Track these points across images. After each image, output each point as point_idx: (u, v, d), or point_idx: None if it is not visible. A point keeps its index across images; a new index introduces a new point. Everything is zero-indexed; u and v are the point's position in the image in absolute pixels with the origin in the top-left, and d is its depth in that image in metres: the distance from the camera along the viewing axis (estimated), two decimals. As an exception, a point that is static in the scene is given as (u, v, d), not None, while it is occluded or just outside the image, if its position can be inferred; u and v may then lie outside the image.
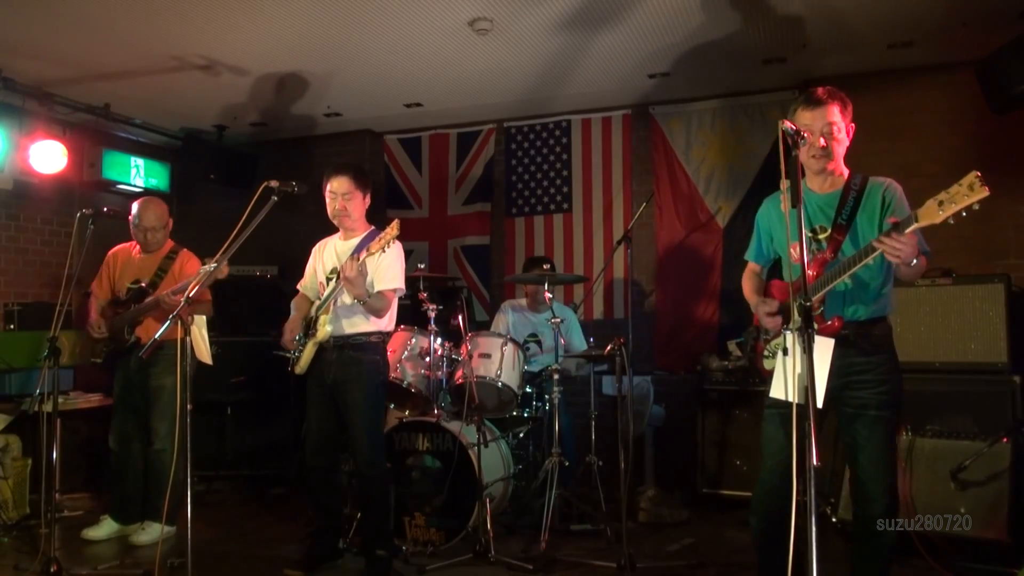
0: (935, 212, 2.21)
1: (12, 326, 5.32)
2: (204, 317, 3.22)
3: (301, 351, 3.68)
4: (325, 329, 3.59)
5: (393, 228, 3.37)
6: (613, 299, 5.96)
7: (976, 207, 2.15)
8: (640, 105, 5.92)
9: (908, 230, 2.28)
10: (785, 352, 2.37)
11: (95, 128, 5.93)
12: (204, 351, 3.16)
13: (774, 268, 3.00)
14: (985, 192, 2.12)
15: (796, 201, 2.23)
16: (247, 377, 5.61)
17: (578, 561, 3.87)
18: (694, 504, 4.78)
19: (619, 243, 4.49)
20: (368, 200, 3.81)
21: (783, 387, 2.45)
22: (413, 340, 4.32)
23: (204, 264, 3.49)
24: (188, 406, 3.12)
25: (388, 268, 3.64)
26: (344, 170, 3.73)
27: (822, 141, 2.58)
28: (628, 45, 4.76)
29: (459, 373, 4.30)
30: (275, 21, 4.34)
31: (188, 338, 3.14)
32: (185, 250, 4.43)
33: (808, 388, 2.05)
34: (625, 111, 5.99)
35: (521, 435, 4.69)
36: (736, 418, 4.85)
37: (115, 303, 4.35)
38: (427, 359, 4.28)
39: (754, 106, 5.62)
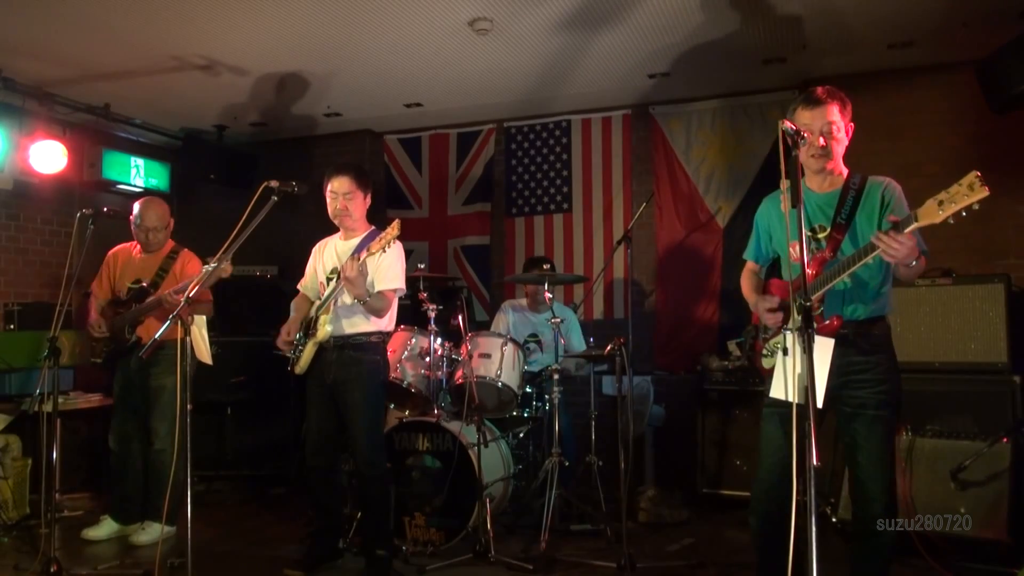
0: (935, 212, 2.21)
1: (12, 326, 5.32)
2: (204, 317, 3.22)
3: (301, 351, 3.68)
4: (325, 329, 3.59)
5: (394, 228, 3.37)
6: (613, 299, 5.96)
7: (976, 207, 2.14)
8: (640, 105, 5.92)
9: (907, 230, 2.28)
10: (785, 352, 2.37)
11: (95, 128, 5.93)
12: (204, 351, 3.16)
13: (773, 267, 3.00)
14: (985, 192, 2.12)
15: (796, 201, 2.23)
16: (247, 377, 5.61)
17: (578, 561, 3.87)
18: (694, 504, 4.78)
19: (619, 243, 4.49)
20: (369, 200, 3.81)
21: (783, 387, 2.45)
22: (413, 340, 4.32)
23: (206, 264, 3.48)
24: (188, 406, 3.12)
25: (388, 268, 3.64)
26: (345, 170, 3.73)
27: (821, 140, 2.59)
28: (628, 45, 4.76)
29: (459, 373, 4.30)
30: (275, 21, 4.34)
31: (188, 338, 3.14)
32: (186, 250, 4.43)
33: (808, 388, 2.05)
34: (625, 111, 5.99)
35: (521, 435, 4.69)
36: (736, 418, 4.85)
37: (115, 303, 4.35)
38: (427, 359, 4.28)
39: (754, 106, 5.62)
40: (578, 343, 5.03)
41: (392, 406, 4.51)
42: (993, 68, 4.32)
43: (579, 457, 4.54)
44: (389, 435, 4.12)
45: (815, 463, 1.99)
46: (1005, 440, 3.68)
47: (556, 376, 4.30)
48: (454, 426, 4.14)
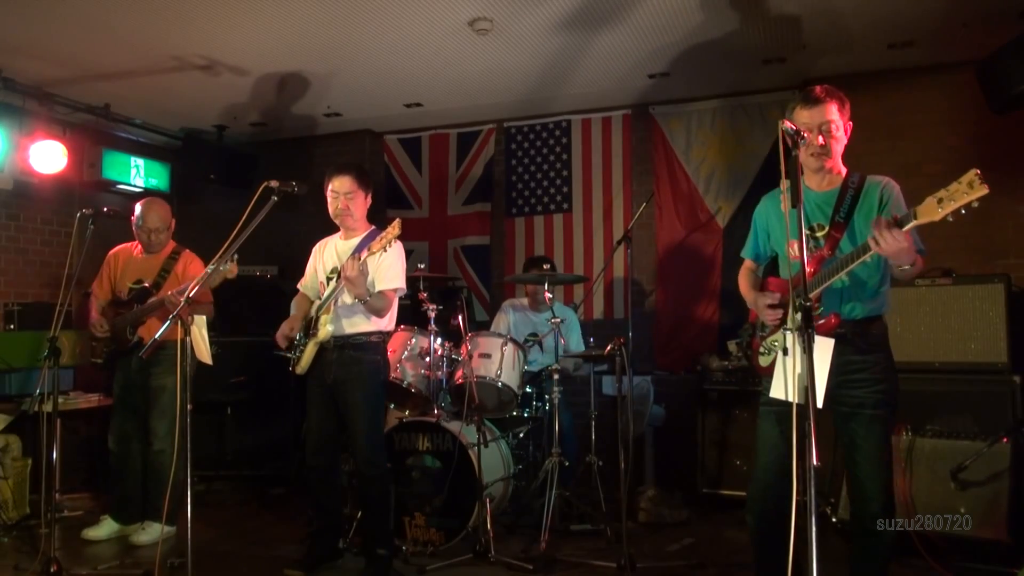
0: (934, 210, 2.20)
1: (12, 326, 5.32)
2: (204, 317, 3.22)
3: (302, 351, 3.68)
4: (326, 329, 3.60)
5: (394, 228, 3.38)
6: (613, 299, 5.96)
7: (975, 205, 2.14)
8: (640, 105, 5.92)
9: (907, 227, 2.27)
10: (785, 352, 2.37)
11: (95, 128, 5.94)
12: (204, 351, 3.16)
13: (770, 266, 3.00)
14: (985, 190, 2.11)
15: (796, 201, 2.23)
16: (247, 377, 5.61)
17: (578, 561, 3.87)
18: (694, 504, 4.78)
19: (619, 243, 4.49)
20: (370, 200, 3.81)
21: (783, 387, 2.45)
22: (413, 340, 4.32)
23: (212, 267, 3.46)
24: (188, 406, 3.12)
25: (389, 268, 3.64)
26: (346, 169, 3.73)
27: (820, 139, 2.59)
28: (628, 45, 4.76)
29: (459, 373, 4.30)
30: (275, 21, 4.34)
31: (188, 338, 3.14)
32: (187, 251, 4.43)
33: (808, 388, 2.05)
34: (625, 111, 5.99)
35: (521, 435, 4.69)
36: (736, 418, 4.85)
37: (116, 303, 4.35)
38: (427, 359, 4.28)
39: (754, 106, 5.62)
40: (576, 343, 5.03)
41: (392, 406, 4.51)
42: (993, 68, 4.31)
43: (579, 457, 4.54)
44: (389, 435, 4.12)
45: (815, 463, 1.99)
46: (1005, 440, 3.67)
47: (556, 376, 4.30)
48: (454, 426, 4.14)
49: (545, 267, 4.86)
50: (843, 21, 4.41)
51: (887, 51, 4.82)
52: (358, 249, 3.61)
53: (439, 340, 4.33)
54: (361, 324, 3.65)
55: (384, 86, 5.53)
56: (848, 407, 2.61)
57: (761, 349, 2.81)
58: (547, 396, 4.47)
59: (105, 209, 4.23)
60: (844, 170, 2.71)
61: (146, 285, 4.29)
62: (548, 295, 4.40)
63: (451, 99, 5.85)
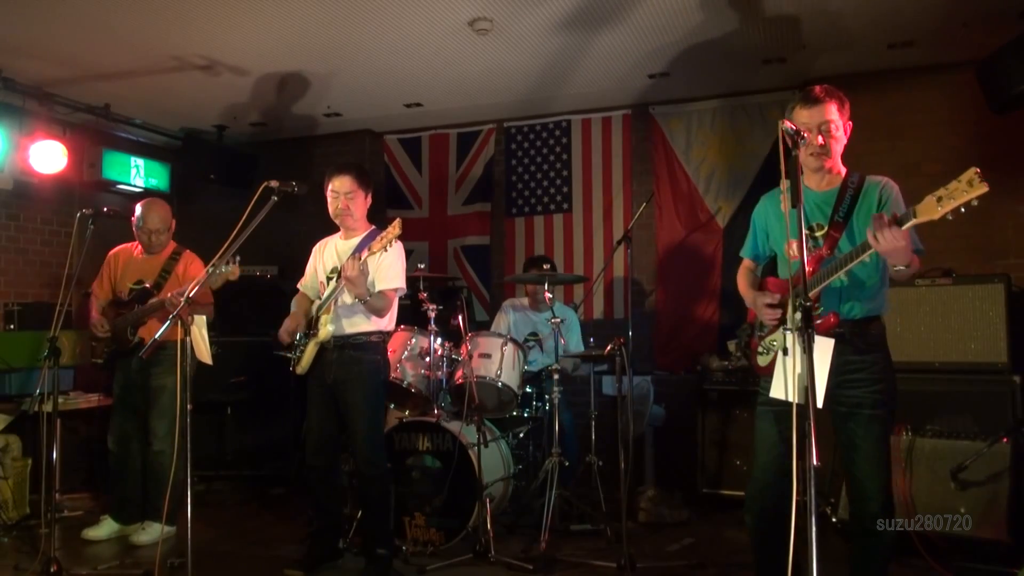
0: (934, 208, 2.20)
1: (12, 326, 5.32)
2: (204, 317, 3.22)
3: (302, 351, 3.68)
4: (326, 329, 3.60)
5: (395, 227, 3.38)
6: (613, 299, 5.96)
7: (975, 203, 2.14)
8: (640, 105, 5.92)
9: (906, 226, 2.27)
10: (785, 352, 2.37)
11: (95, 128, 5.93)
12: (204, 351, 3.16)
13: (769, 266, 3.00)
14: (984, 188, 2.11)
15: (796, 201, 2.23)
16: (247, 377, 5.61)
17: (578, 561, 3.87)
18: (694, 504, 4.78)
19: (619, 243, 4.49)
20: (370, 200, 3.81)
21: (783, 387, 2.45)
22: (413, 340, 4.32)
23: (212, 268, 3.45)
24: (188, 406, 3.12)
25: (389, 267, 3.64)
26: (347, 169, 3.73)
27: (820, 139, 2.59)
28: (628, 45, 4.76)
29: (459, 373, 4.30)
30: (275, 21, 4.34)
31: (188, 338, 3.14)
32: (188, 251, 4.43)
33: (808, 388, 2.05)
34: (625, 111, 5.99)
35: (521, 435, 4.69)
36: (736, 418, 4.85)
37: (117, 303, 4.35)
38: (427, 359, 4.28)
39: (754, 106, 5.62)
40: (576, 344, 5.03)
41: (392, 406, 4.51)
42: (993, 68, 4.31)
43: (579, 457, 4.54)
44: (389, 435, 4.12)
45: (815, 463, 1.99)
46: (1005, 440, 3.67)
47: (556, 376, 4.30)
48: (454, 426, 4.14)
49: (545, 267, 4.86)
50: (843, 21, 4.41)
51: (887, 51, 4.82)
52: (358, 249, 3.61)
53: (439, 340, 4.33)
54: (361, 324, 3.65)
55: (384, 86, 5.53)
56: (846, 407, 2.61)
57: (759, 349, 2.81)
58: (547, 396, 4.47)
59: (105, 209, 4.23)
60: (844, 170, 2.71)
61: (147, 286, 4.29)
62: (548, 295, 4.40)
63: (451, 99, 5.85)
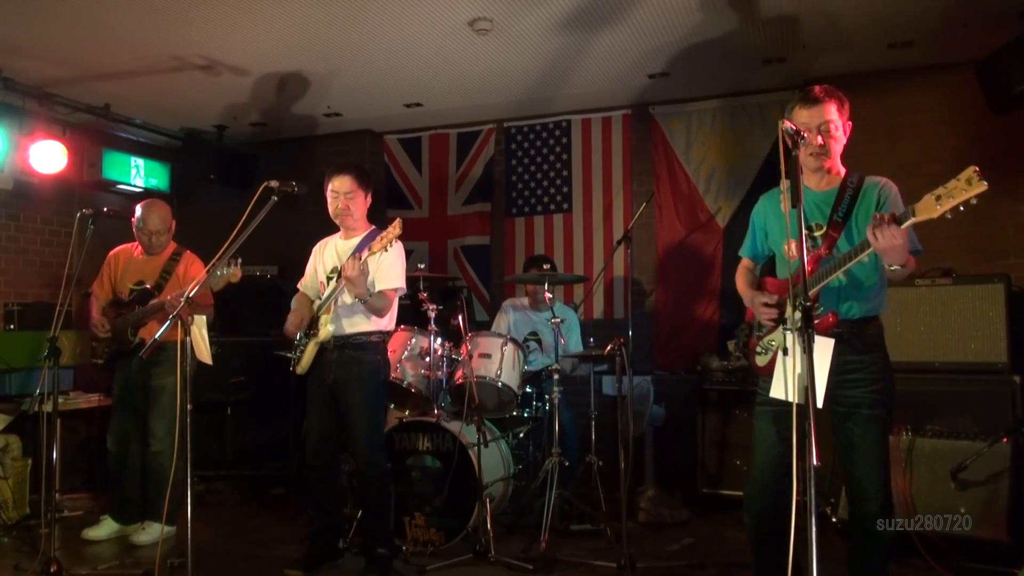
0: (932, 207, 2.20)
1: (12, 326, 5.32)
2: (204, 317, 3.22)
3: (302, 351, 3.68)
4: (326, 329, 3.60)
5: (395, 227, 3.38)
6: (613, 299, 5.96)
7: (974, 202, 2.14)
8: (640, 105, 5.92)
9: (905, 224, 2.28)
10: (785, 352, 2.37)
11: (95, 128, 5.93)
12: (204, 351, 3.16)
13: (768, 266, 3.01)
14: (983, 187, 2.11)
15: (796, 201, 2.23)
16: (247, 377, 5.61)
17: (578, 561, 3.87)
18: (694, 504, 4.78)
19: (619, 243, 4.49)
20: (370, 200, 3.81)
21: (783, 387, 2.45)
22: (413, 340, 4.32)
23: (212, 269, 3.44)
24: (188, 406, 3.12)
25: (389, 267, 3.64)
26: (347, 169, 3.73)
27: (819, 139, 2.59)
28: (628, 45, 4.76)
29: (459, 373, 4.30)
30: (275, 21, 4.34)
31: (188, 338, 3.14)
32: (188, 252, 4.43)
33: (808, 388, 2.05)
34: (625, 111, 5.99)
35: (521, 435, 4.69)
36: (736, 418, 4.85)
37: (117, 304, 4.35)
38: (427, 359, 4.28)
39: (754, 106, 5.62)
40: (575, 344, 5.03)
41: (392, 406, 4.51)
42: (993, 68, 4.31)
43: (579, 457, 4.54)
44: (389, 435, 4.12)
45: (815, 463, 1.99)
46: (1005, 440, 3.67)
47: (556, 376, 4.30)
48: (454, 426, 4.14)
49: (545, 267, 4.86)
50: (843, 21, 4.41)
51: (887, 51, 4.82)
52: (358, 249, 3.61)
53: (439, 340, 4.33)
54: (361, 324, 3.65)
55: (384, 86, 5.53)
56: (845, 407, 2.61)
57: (758, 349, 2.81)
58: (547, 396, 4.47)
59: (105, 209, 4.23)
60: (843, 170, 2.72)
61: (147, 287, 4.29)
62: (548, 295, 4.40)
63: (451, 99, 5.85)
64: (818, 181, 2.71)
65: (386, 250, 3.45)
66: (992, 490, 3.65)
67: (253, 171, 6.30)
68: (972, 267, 4.55)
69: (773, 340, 2.72)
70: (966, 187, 2.13)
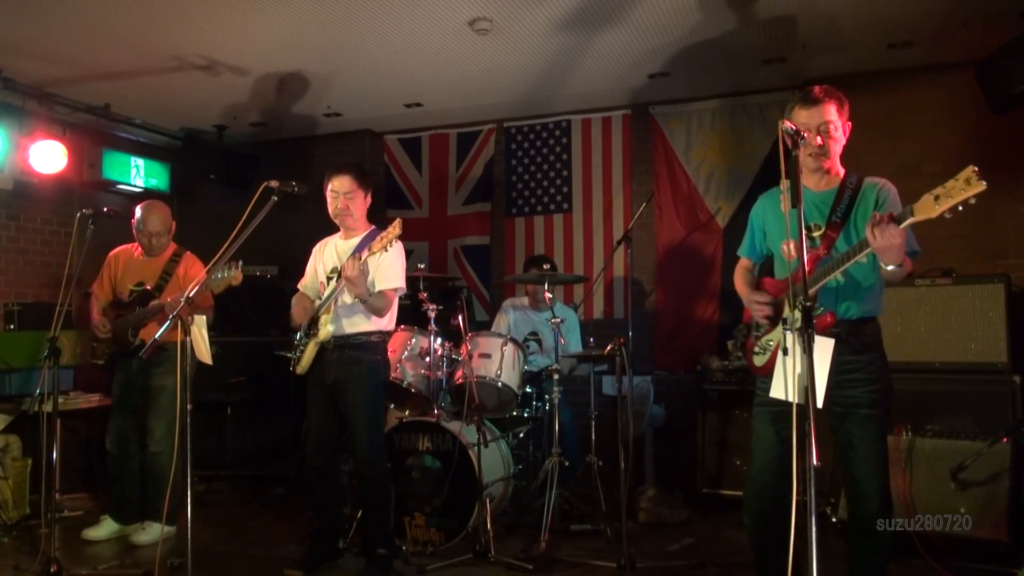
0: (931, 206, 2.21)
1: (12, 326, 5.32)
2: (204, 317, 3.22)
3: (302, 351, 3.68)
4: (326, 329, 3.60)
5: (395, 227, 3.38)
6: (613, 299, 5.96)
7: (973, 202, 2.14)
8: (640, 105, 5.92)
9: (904, 224, 2.28)
10: (785, 352, 2.37)
11: (95, 128, 5.93)
12: (204, 351, 3.16)
13: (766, 266, 3.01)
14: (982, 186, 2.11)
15: (796, 201, 2.23)
16: (247, 377, 5.61)
17: (578, 561, 3.87)
18: (694, 504, 4.78)
19: (619, 243, 4.49)
20: (369, 199, 3.81)
21: (783, 387, 2.45)
22: (413, 340, 4.32)
23: (212, 271, 3.44)
24: (188, 406, 3.12)
25: (389, 267, 3.64)
26: (346, 169, 3.73)
27: (819, 139, 2.59)
28: (628, 45, 4.76)
29: (459, 373, 4.30)
30: (275, 21, 4.34)
31: (188, 338, 3.14)
32: (188, 253, 4.43)
33: (808, 388, 2.05)
34: (625, 111, 5.99)
35: (521, 435, 4.69)
36: (736, 418, 4.85)
37: (117, 305, 4.35)
38: (427, 359, 4.28)
39: (754, 106, 5.62)
40: (575, 345, 5.03)
41: (392, 406, 4.51)
42: (993, 68, 4.31)
43: (579, 457, 4.54)
44: (389, 435, 4.12)
45: (815, 463, 1.99)
46: (1005, 440, 3.67)
47: (556, 376, 4.30)
48: (454, 426, 4.14)
49: (545, 267, 4.86)
50: (843, 21, 4.41)
51: (887, 51, 4.82)
52: (358, 249, 3.61)
53: (439, 340, 4.33)
54: (361, 324, 3.65)
55: (384, 86, 5.53)
56: (843, 407, 2.61)
57: (756, 349, 2.81)
58: (547, 396, 4.47)
59: (105, 209, 4.23)
60: (842, 171, 2.72)
61: (147, 288, 4.29)
62: (548, 295, 4.40)
63: (451, 99, 5.85)
64: (817, 181, 2.71)
65: (386, 250, 3.46)
66: (992, 490, 3.65)
67: (253, 171, 6.30)
68: (972, 267, 4.55)
69: (771, 340, 2.72)
70: (965, 187, 2.14)
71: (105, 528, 4.34)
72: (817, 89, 2.65)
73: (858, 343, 2.61)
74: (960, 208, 2.16)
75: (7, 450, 4.54)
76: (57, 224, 6.04)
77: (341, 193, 3.69)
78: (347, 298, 3.61)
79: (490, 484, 4.09)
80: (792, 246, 2.61)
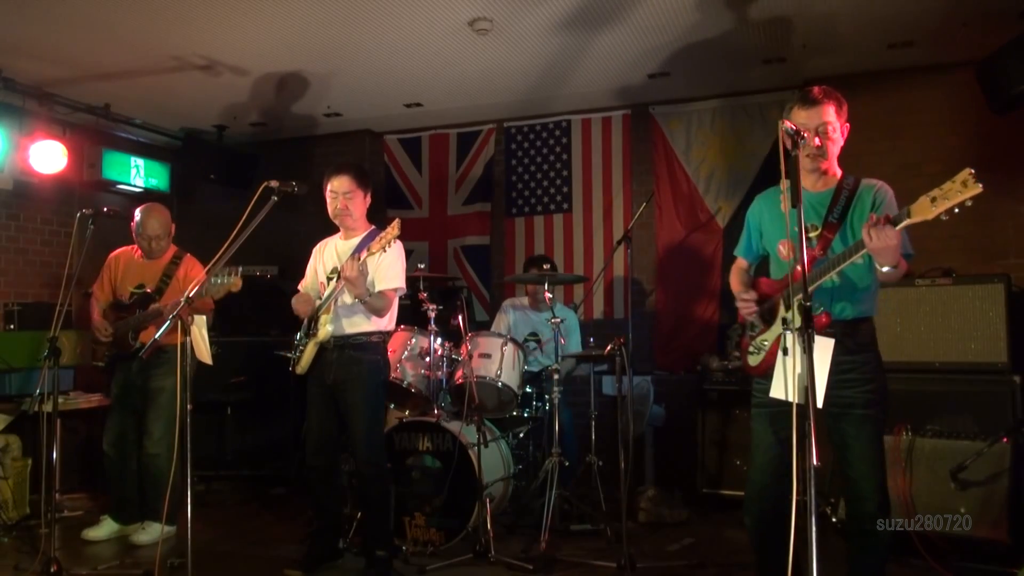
0: (928, 208, 2.22)
1: (12, 326, 5.32)
2: (204, 317, 3.22)
3: (302, 351, 3.68)
4: (326, 329, 3.60)
5: (394, 228, 3.38)
6: (613, 299, 5.96)
7: (969, 203, 2.15)
8: (640, 105, 5.92)
9: (900, 225, 2.29)
10: (785, 352, 2.37)
11: (95, 128, 5.93)
12: (204, 351, 3.16)
13: (761, 266, 3.01)
14: (978, 189, 2.12)
15: (796, 201, 2.23)
16: (247, 377, 5.61)
17: (578, 561, 3.87)
18: (694, 504, 4.78)
19: (619, 243, 4.49)
20: (369, 199, 3.81)
21: (783, 387, 2.45)
22: (413, 340, 4.32)
23: (215, 279, 3.43)
24: (188, 406, 3.12)
25: (389, 267, 3.64)
26: (345, 169, 3.73)
27: (817, 140, 2.59)
28: (628, 45, 4.76)
29: (459, 373, 4.30)
30: (275, 21, 4.34)
31: (188, 339, 3.14)
32: (188, 255, 4.43)
33: (808, 388, 2.05)
34: (625, 111, 5.99)
35: (521, 435, 4.69)
36: (736, 418, 4.85)
37: (117, 307, 4.34)
38: (427, 359, 4.28)
39: (754, 106, 5.62)
40: (575, 347, 5.03)
41: (392, 406, 4.51)
42: (993, 68, 4.31)
43: (579, 457, 4.54)
44: (389, 435, 4.12)
45: (815, 463, 1.99)
46: (1005, 440, 3.67)
47: (556, 376, 4.30)
48: (454, 426, 4.14)
49: (545, 267, 4.86)
50: (843, 21, 4.41)
51: (887, 51, 4.82)
52: (358, 249, 3.61)
53: (439, 340, 4.33)
54: (361, 324, 3.65)
55: (384, 86, 5.53)
56: (838, 407, 2.60)
57: (750, 348, 2.80)
58: (547, 396, 4.47)
59: (105, 209, 4.22)
60: (839, 172, 2.72)
61: (148, 291, 4.28)
62: (548, 295, 4.40)
63: (451, 99, 5.85)
64: (814, 182, 2.71)
65: (385, 250, 3.45)
66: (992, 490, 3.65)
67: (253, 171, 6.30)
68: (972, 267, 4.55)
69: (766, 340, 2.72)
70: (961, 189, 2.14)
71: (105, 528, 4.34)
72: (816, 90, 2.65)
73: (853, 343, 2.61)
74: (956, 210, 2.17)
75: (7, 450, 4.54)
76: (57, 224, 6.04)
77: (340, 193, 3.69)
78: (347, 298, 3.61)
79: (490, 484, 4.09)
80: (788, 246, 2.62)
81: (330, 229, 3.89)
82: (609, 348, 4.05)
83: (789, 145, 2.28)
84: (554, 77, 5.35)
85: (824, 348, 2.34)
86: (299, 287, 3.96)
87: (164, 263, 4.37)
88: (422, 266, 4.59)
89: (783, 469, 2.51)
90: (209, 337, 3.19)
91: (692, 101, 5.78)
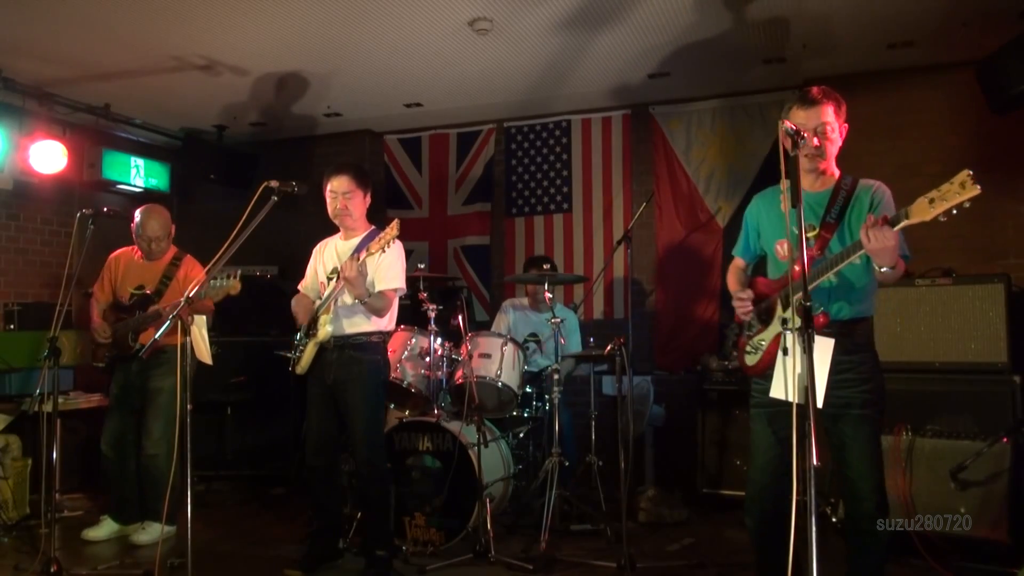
0: (926, 209, 2.22)
1: (12, 326, 5.32)
2: (204, 317, 3.22)
3: (302, 351, 3.69)
4: (326, 329, 3.60)
5: (393, 228, 3.38)
6: (613, 299, 5.96)
7: (967, 205, 2.15)
8: (640, 105, 5.92)
9: (898, 226, 2.29)
10: (785, 352, 2.37)
11: (95, 128, 5.94)
12: (204, 351, 3.16)
13: (759, 266, 3.01)
14: (976, 190, 2.12)
15: (796, 201, 2.23)
16: (247, 377, 5.61)
17: (578, 561, 3.87)
18: (694, 504, 4.78)
19: (619, 243, 4.49)
20: (369, 199, 3.81)
21: (783, 387, 2.45)
22: (413, 340, 4.32)
23: (214, 281, 3.43)
24: (188, 406, 3.12)
25: (388, 268, 3.64)
26: (345, 169, 3.73)
27: (815, 140, 2.59)
28: (628, 45, 4.76)
29: (459, 373, 4.30)
30: (275, 21, 4.34)
31: (188, 339, 3.14)
32: (188, 256, 4.43)
33: (808, 388, 2.05)
34: (625, 111, 5.99)
35: (521, 435, 4.69)
36: (736, 418, 4.85)
37: (117, 308, 4.34)
38: (427, 359, 4.28)
39: (754, 106, 5.62)
40: (574, 345, 5.03)
41: (392, 406, 4.51)
42: (993, 68, 4.31)
43: (579, 457, 4.54)
44: (389, 435, 4.12)
45: (815, 463, 1.99)
46: (1005, 440, 3.67)
47: (556, 376, 4.30)
48: (454, 426, 4.14)
49: (545, 267, 4.86)
50: (843, 21, 4.41)
51: (887, 51, 4.82)
52: (358, 249, 3.61)
53: (439, 340, 4.33)
54: (361, 324, 3.65)
55: (384, 86, 5.53)
56: (835, 407, 2.60)
57: (747, 348, 2.81)
58: (547, 396, 4.47)
59: (105, 209, 4.23)
60: (837, 172, 2.73)
61: (148, 292, 4.28)
62: (548, 295, 4.40)
63: (451, 99, 5.85)
64: (812, 182, 2.71)
65: (384, 251, 3.45)
66: (992, 490, 3.65)
67: (253, 171, 6.30)
68: (972, 267, 4.54)
69: (763, 340, 2.72)
70: (959, 191, 2.15)
71: (105, 528, 4.34)
72: (815, 90, 2.65)
73: (850, 343, 2.61)
74: (955, 211, 2.17)
75: (7, 450, 4.54)
76: (57, 224, 6.04)
77: (340, 193, 3.69)
78: (347, 298, 3.61)
79: (490, 484, 4.09)
80: (785, 246, 2.62)
81: (330, 229, 3.89)
82: (609, 348, 4.05)
83: (789, 145, 2.29)
84: (554, 77, 5.35)
85: (824, 348, 2.34)
86: (299, 287, 3.96)
87: (164, 264, 4.36)
88: (422, 266, 4.59)
89: (783, 469, 2.51)
90: (209, 337, 3.19)
91: (692, 101, 5.78)
